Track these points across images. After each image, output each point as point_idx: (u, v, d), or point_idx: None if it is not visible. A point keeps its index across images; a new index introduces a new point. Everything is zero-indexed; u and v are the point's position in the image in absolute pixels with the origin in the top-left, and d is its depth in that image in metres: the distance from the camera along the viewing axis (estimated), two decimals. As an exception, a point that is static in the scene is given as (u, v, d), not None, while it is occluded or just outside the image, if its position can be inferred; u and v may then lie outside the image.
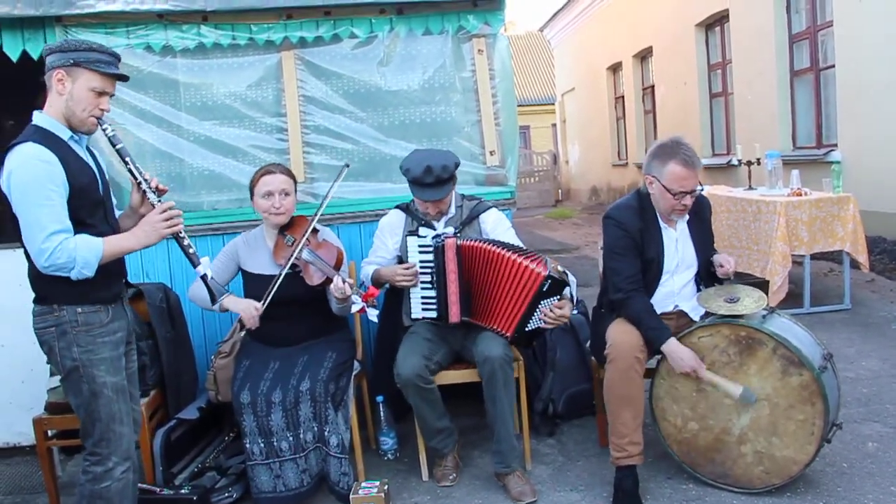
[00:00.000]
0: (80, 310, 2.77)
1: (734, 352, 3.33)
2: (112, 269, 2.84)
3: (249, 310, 3.54)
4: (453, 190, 3.86)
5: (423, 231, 3.83)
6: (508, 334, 3.64)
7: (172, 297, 4.07)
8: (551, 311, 3.56)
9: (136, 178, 2.85)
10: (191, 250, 2.88)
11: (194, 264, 2.89)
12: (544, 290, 3.53)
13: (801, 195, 6.21)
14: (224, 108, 4.62)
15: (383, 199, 4.53)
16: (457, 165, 3.79)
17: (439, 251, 3.69)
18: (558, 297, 3.57)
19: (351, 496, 3.44)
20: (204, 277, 2.93)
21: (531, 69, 31.75)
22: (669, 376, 3.44)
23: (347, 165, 3.88)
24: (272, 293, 3.55)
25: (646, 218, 3.58)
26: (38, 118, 2.78)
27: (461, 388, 3.84)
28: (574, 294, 4.89)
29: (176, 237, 2.85)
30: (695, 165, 3.45)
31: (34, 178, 2.63)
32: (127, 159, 2.82)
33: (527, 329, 3.62)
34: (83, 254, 2.65)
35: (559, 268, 3.57)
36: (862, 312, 6.14)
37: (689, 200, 3.47)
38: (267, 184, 3.67)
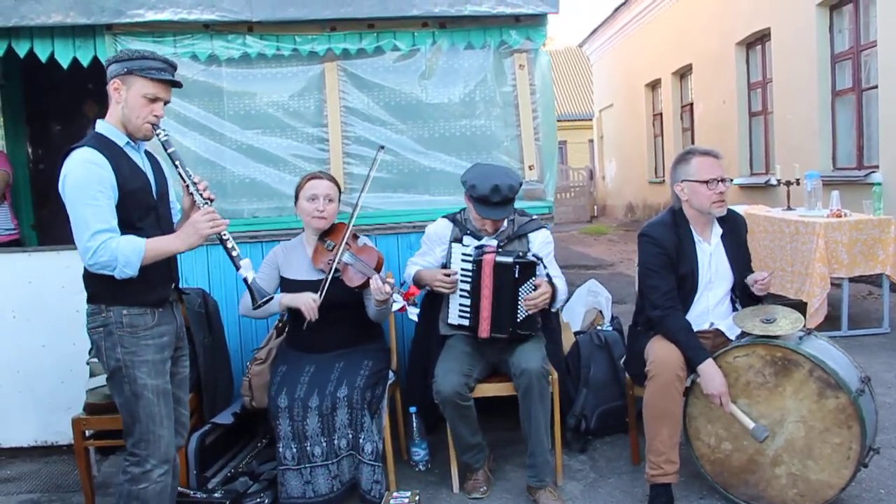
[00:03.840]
0: (125, 311, 2.82)
1: (770, 372, 3.30)
2: (159, 274, 2.88)
3: (308, 301, 3.61)
4: None
5: (467, 240, 3.86)
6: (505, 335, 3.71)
7: (211, 302, 4.12)
8: (531, 295, 3.64)
9: (185, 181, 2.89)
10: (234, 252, 2.87)
11: (237, 267, 2.89)
12: (517, 276, 3.62)
13: (840, 216, 6.16)
14: (267, 118, 4.68)
15: (422, 211, 4.56)
16: (520, 185, 3.83)
17: (477, 265, 3.71)
18: (534, 277, 3.65)
19: (382, 505, 3.47)
20: (245, 280, 2.92)
21: (569, 85, 31.72)
22: (704, 396, 3.42)
23: (382, 147, 4.01)
24: (326, 287, 3.64)
25: (680, 233, 3.60)
26: (99, 125, 2.88)
27: (495, 402, 3.86)
28: (608, 310, 4.91)
29: (220, 238, 2.86)
30: (716, 155, 3.59)
31: (83, 179, 2.71)
32: (177, 163, 2.87)
33: (518, 320, 3.68)
34: (125, 253, 2.69)
35: (532, 256, 3.73)
36: (902, 337, 6.07)
37: (723, 188, 3.53)
38: (313, 187, 3.79)
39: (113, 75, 2.84)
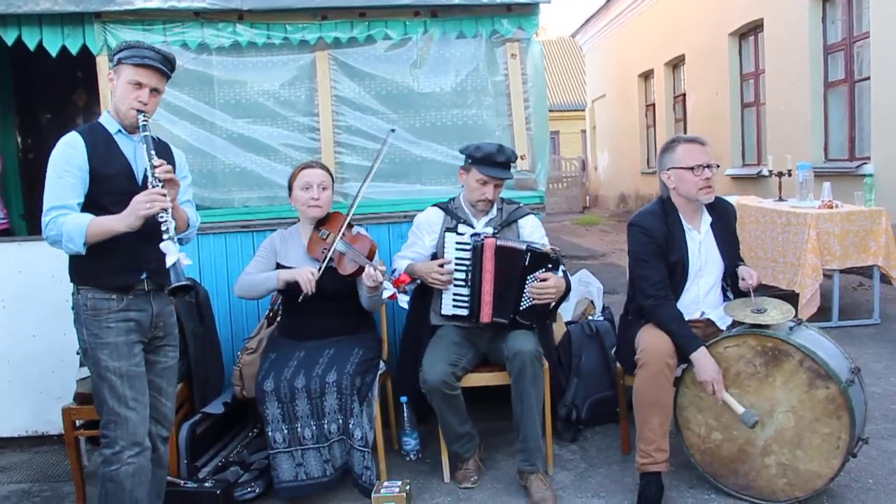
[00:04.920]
0: (91, 295, 2.88)
1: (760, 363, 3.31)
2: (123, 260, 2.87)
3: (306, 274, 3.61)
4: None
5: (462, 228, 3.87)
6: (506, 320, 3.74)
7: (201, 292, 4.10)
8: (536, 284, 3.67)
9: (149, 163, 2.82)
10: (165, 236, 2.69)
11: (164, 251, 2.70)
12: (526, 264, 3.66)
13: (832, 208, 6.16)
14: (257, 107, 4.67)
15: (413, 201, 4.55)
16: (515, 159, 3.95)
17: (477, 250, 3.72)
18: (543, 269, 3.67)
19: (373, 495, 3.46)
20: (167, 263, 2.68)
21: (562, 75, 31.70)
22: (694, 385, 3.42)
23: (393, 130, 4.06)
24: (324, 265, 3.66)
25: (670, 222, 3.60)
26: (102, 115, 3.01)
27: (485, 391, 3.86)
28: (599, 300, 4.91)
29: (157, 219, 2.72)
30: (702, 142, 3.60)
31: (54, 159, 2.83)
32: (143, 146, 2.84)
33: (521, 308, 3.72)
34: (69, 229, 2.73)
35: (549, 248, 3.74)
36: (891, 328, 6.08)
37: (709, 174, 3.53)
38: (306, 176, 3.81)
39: (111, 68, 2.96)
